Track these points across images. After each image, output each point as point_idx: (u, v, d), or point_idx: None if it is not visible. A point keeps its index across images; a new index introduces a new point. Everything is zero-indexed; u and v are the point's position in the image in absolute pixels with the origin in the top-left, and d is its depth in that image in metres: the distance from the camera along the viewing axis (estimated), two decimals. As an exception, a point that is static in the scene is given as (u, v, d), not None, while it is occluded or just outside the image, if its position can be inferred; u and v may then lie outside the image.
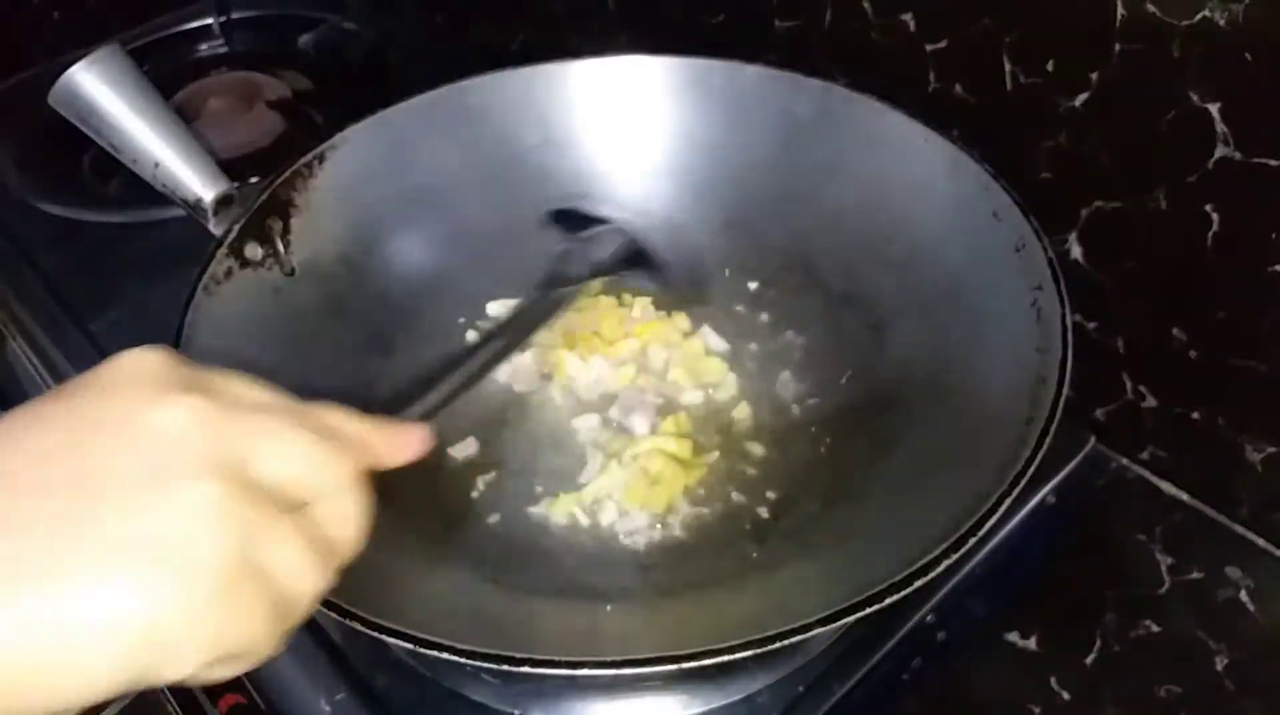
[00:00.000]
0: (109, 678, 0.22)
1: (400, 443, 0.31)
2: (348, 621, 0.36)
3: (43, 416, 0.24)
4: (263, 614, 0.24)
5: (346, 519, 0.27)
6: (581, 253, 0.51)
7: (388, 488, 0.50)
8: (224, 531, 0.23)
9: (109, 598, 0.22)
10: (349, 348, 0.55)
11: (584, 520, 0.50)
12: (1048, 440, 0.40)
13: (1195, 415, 0.54)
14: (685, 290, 0.59)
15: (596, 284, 0.53)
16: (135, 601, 0.22)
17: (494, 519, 0.51)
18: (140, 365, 0.25)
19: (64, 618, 0.21)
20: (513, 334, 0.45)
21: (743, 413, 0.54)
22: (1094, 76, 0.49)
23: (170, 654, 0.23)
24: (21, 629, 0.21)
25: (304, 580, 0.25)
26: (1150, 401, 0.56)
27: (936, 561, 0.36)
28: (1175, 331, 0.53)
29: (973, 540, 0.37)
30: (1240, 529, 0.55)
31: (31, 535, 0.22)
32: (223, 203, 0.55)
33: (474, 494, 0.52)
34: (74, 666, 0.22)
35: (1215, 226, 0.48)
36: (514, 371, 0.56)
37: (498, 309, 0.60)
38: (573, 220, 0.53)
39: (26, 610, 0.21)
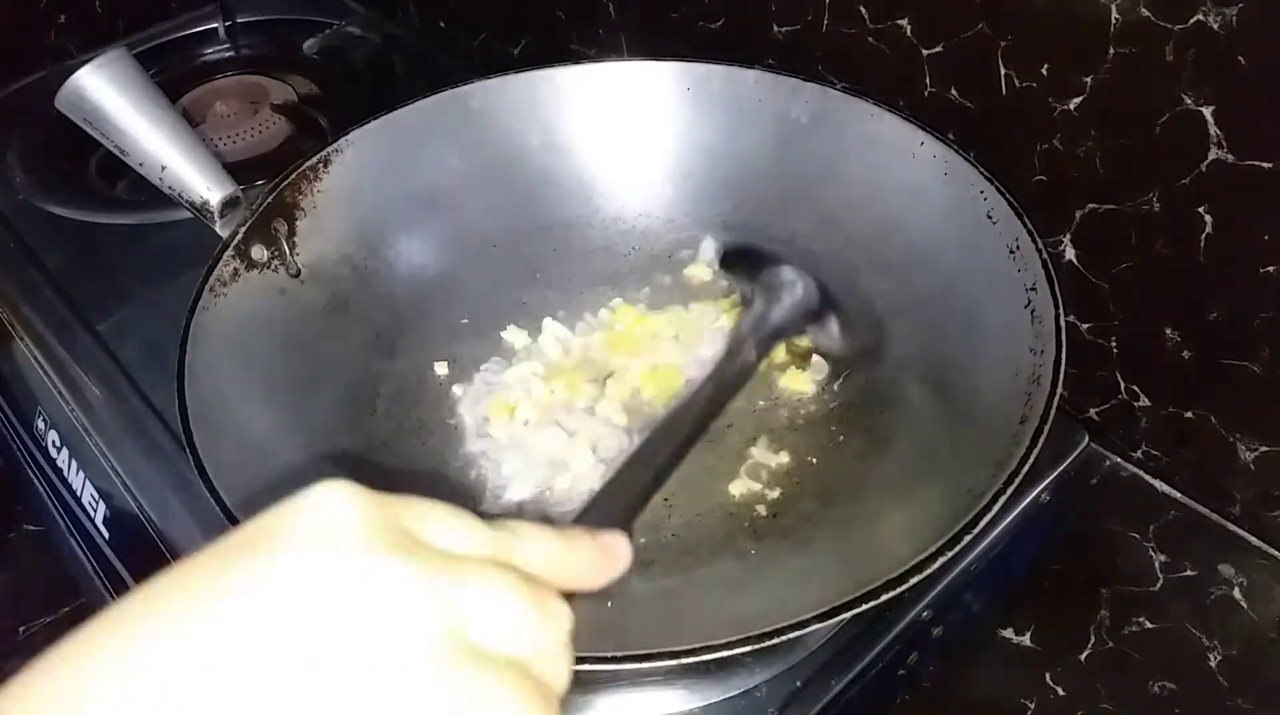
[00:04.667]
0: None
1: (605, 565, 0.28)
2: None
3: (212, 598, 0.21)
4: None
5: (560, 664, 0.25)
6: (764, 309, 0.47)
7: (394, 487, 0.50)
8: (460, 708, 0.21)
9: None
10: (353, 349, 0.56)
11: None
12: (1042, 439, 0.40)
13: (1188, 415, 0.54)
14: (865, 345, 0.54)
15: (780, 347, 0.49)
16: None
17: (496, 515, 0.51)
18: (336, 516, 0.22)
19: None
20: (703, 412, 0.41)
21: (740, 412, 0.55)
22: (1088, 80, 0.50)
23: None
24: None
25: None
26: (1144, 401, 0.56)
27: (932, 559, 0.37)
28: (1169, 332, 0.53)
29: (968, 538, 0.37)
30: (1233, 527, 0.56)
31: None
32: (229, 205, 0.56)
33: (477, 492, 0.52)
34: None
35: (1208, 228, 0.49)
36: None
37: (551, 327, 0.59)
38: (746, 260, 0.49)
39: None
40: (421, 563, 0.22)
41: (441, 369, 0.58)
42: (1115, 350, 0.56)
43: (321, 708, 0.20)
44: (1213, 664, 0.51)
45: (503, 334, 0.59)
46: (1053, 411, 0.41)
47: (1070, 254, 0.55)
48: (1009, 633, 0.53)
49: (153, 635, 0.20)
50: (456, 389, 0.57)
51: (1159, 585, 0.54)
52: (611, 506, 0.33)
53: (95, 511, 0.66)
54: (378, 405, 0.55)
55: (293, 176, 0.56)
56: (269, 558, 0.21)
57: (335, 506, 0.22)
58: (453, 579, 0.23)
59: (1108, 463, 0.59)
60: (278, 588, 0.21)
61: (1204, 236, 0.49)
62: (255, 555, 0.21)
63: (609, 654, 0.36)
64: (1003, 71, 0.53)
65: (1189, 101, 0.47)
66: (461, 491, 0.52)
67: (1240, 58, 0.44)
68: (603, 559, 0.28)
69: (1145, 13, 0.46)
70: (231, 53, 0.96)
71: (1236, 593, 0.53)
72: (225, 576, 0.21)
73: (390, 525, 0.23)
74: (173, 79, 0.89)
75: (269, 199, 0.54)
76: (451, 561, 0.23)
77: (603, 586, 0.28)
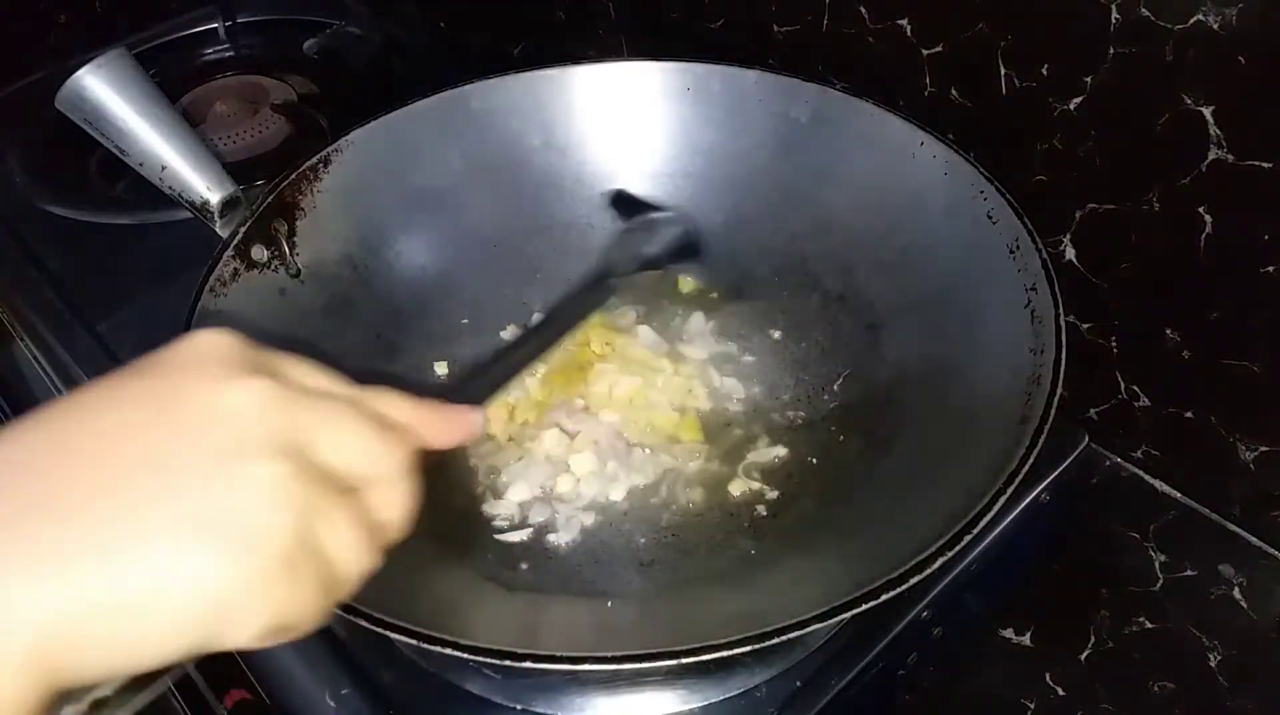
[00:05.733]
0: (173, 644, 0.23)
1: (451, 426, 0.32)
2: (353, 618, 0.36)
3: (113, 394, 0.25)
4: (316, 589, 0.25)
5: (395, 503, 0.28)
6: (635, 242, 0.52)
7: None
8: (289, 510, 0.24)
9: (178, 571, 0.23)
10: (354, 349, 0.56)
11: (585, 518, 0.51)
12: (1042, 439, 0.40)
13: (1188, 415, 0.54)
14: (731, 285, 0.60)
15: (648, 275, 0.53)
16: (204, 574, 0.23)
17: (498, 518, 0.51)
18: (211, 346, 0.26)
19: (135, 587, 0.22)
20: (562, 321, 0.46)
21: (741, 412, 0.55)
22: (1088, 80, 0.50)
23: (231, 623, 0.24)
24: (88, 598, 0.22)
25: (354, 559, 0.26)
26: (1144, 401, 0.56)
27: (932, 559, 0.37)
28: (1168, 332, 0.53)
29: (968, 538, 0.37)
30: (1233, 527, 0.56)
31: (103, 510, 0.23)
32: (229, 205, 0.56)
33: (479, 492, 0.52)
34: (139, 634, 0.23)
35: (1208, 228, 0.49)
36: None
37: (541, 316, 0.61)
38: (630, 204, 0.54)
39: (96, 581, 0.22)
40: (279, 387, 0.26)
41: (441, 369, 0.58)
42: (1115, 350, 0.56)
43: (170, 492, 0.23)
44: (1212, 664, 0.51)
45: (502, 334, 0.59)
46: (1053, 412, 0.41)
47: (1070, 254, 0.55)
48: (1009, 633, 0.53)
49: (66, 436, 0.24)
50: (456, 389, 0.57)
51: (1159, 585, 0.54)
52: (472, 388, 0.37)
53: (95, 511, 0.65)
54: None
55: (293, 177, 0.56)
56: (142, 372, 0.26)
57: (210, 340, 0.27)
58: (305, 403, 0.26)
59: (1108, 463, 0.59)
60: (146, 399, 0.25)
61: (1204, 236, 0.49)
62: (141, 377, 0.26)
63: (609, 654, 0.36)
64: (1003, 71, 0.53)
65: (1189, 101, 0.47)
66: (461, 492, 0.52)
67: (1240, 58, 0.44)
68: (451, 421, 0.32)
69: (1145, 13, 0.46)
70: (231, 53, 0.96)
71: (1236, 593, 0.53)
72: (110, 389, 0.25)
73: (257, 360, 0.27)
74: (173, 79, 0.89)
75: (269, 199, 0.54)
76: (307, 390, 0.27)
77: (449, 445, 0.31)
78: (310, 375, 0.28)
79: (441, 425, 0.31)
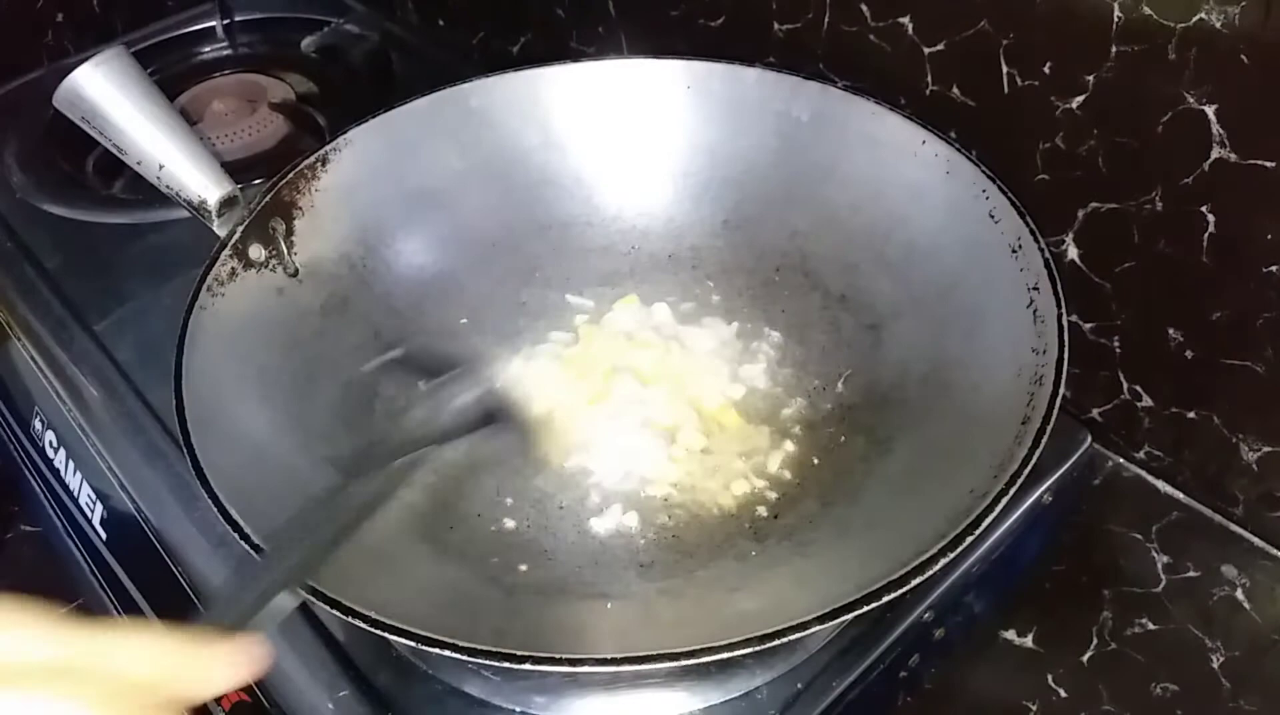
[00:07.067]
0: None
1: (218, 669, 0.26)
2: (350, 619, 0.36)
3: None
4: None
5: None
6: (433, 405, 0.43)
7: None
8: None
9: None
10: (352, 348, 0.56)
11: (585, 518, 0.51)
12: (1044, 439, 0.40)
13: (1191, 415, 0.54)
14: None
15: (453, 448, 0.43)
16: None
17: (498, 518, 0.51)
18: None
19: None
20: (352, 514, 0.37)
21: (741, 412, 0.55)
22: (1090, 78, 0.50)
23: None
24: None
25: None
26: (1146, 401, 0.56)
27: (934, 560, 0.37)
28: (1171, 332, 0.53)
29: (970, 539, 0.37)
30: (1236, 528, 0.56)
31: None
32: (226, 204, 0.56)
33: (478, 492, 0.52)
34: None
35: (1211, 227, 0.49)
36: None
37: (577, 301, 0.60)
38: (418, 365, 0.44)
39: None
40: None
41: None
42: (1118, 350, 0.56)
43: None
44: (1215, 665, 0.51)
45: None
46: (1055, 412, 0.41)
47: (1073, 253, 0.55)
48: (1011, 634, 0.53)
49: None
50: (455, 389, 0.56)
51: (1161, 586, 0.54)
52: (240, 601, 0.30)
53: (92, 512, 0.65)
54: (376, 406, 0.55)
55: (290, 175, 0.55)
56: None
57: None
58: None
59: (1110, 463, 0.59)
60: None
61: (1207, 236, 0.49)
62: None
63: (609, 655, 0.36)
64: (1005, 70, 0.53)
65: (1191, 100, 0.47)
66: (461, 493, 0.52)
67: (1243, 56, 0.44)
68: (222, 664, 0.26)
69: (1148, 11, 0.46)
70: (229, 51, 0.95)
71: (1239, 594, 0.53)
72: None
73: None
74: (170, 77, 0.89)
75: (267, 198, 0.54)
76: (10, 676, 0.22)
77: (219, 693, 0.26)
78: (17, 639, 0.22)
79: (210, 673, 0.26)
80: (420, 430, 0.42)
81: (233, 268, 0.52)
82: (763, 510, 0.50)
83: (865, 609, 0.36)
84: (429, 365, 0.44)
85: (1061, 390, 0.42)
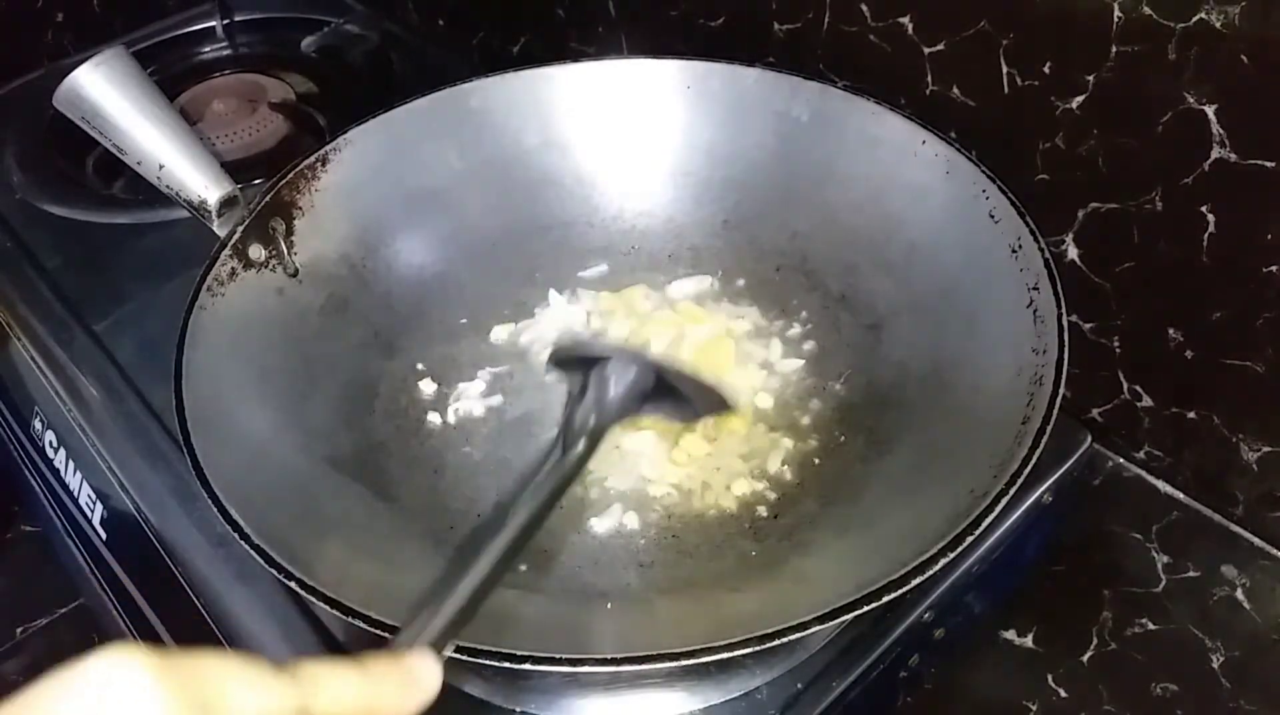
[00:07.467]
0: None
1: (407, 692, 0.27)
2: (351, 620, 0.36)
3: None
4: None
5: None
6: (592, 400, 0.43)
7: (392, 486, 0.50)
8: None
9: None
10: (352, 348, 0.56)
11: (585, 518, 0.51)
12: (1044, 440, 0.40)
13: (1191, 415, 0.54)
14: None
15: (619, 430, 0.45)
16: None
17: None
18: (125, 695, 0.21)
19: None
20: (534, 511, 0.37)
21: (741, 412, 0.55)
22: (1091, 79, 0.50)
23: None
24: None
25: None
26: (1146, 401, 0.56)
27: (934, 560, 0.37)
28: (1171, 332, 0.53)
29: (970, 539, 0.37)
30: (1236, 528, 0.55)
31: None
32: (226, 204, 0.56)
33: (478, 492, 0.52)
34: None
35: (1211, 228, 0.49)
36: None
37: (589, 274, 0.60)
38: (572, 363, 0.45)
39: None
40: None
41: (428, 388, 0.57)
42: (1118, 350, 0.56)
43: None
44: (1215, 665, 0.51)
45: (491, 336, 0.59)
46: (1055, 412, 0.41)
47: (1073, 253, 0.55)
48: (1011, 634, 0.53)
49: None
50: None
51: (1161, 586, 0.54)
52: (428, 622, 0.31)
53: (93, 512, 0.65)
54: (376, 405, 0.55)
55: (290, 175, 0.55)
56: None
57: (123, 684, 0.21)
58: None
59: (1110, 463, 0.59)
60: None
61: (1206, 236, 0.49)
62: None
63: (609, 655, 0.36)
64: (1005, 70, 0.53)
65: (1191, 100, 0.47)
66: (461, 493, 0.52)
67: (1243, 56, 0.44)
68: (409, 688, 0.27)
69: (1148, 11, 0.46)
70: (229, 51, 0.95)
71: (1239, 594, 0.53)
72: None
73: (183, 698, 0.21)
74: (170, 77, 0.89)
75: (267, 198, 0.54)
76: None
77: (416, 713, 0.27)
78: (242, 690, 0.23)
79: (400, 699, 0.27)
80: (592, 418, 0.42)
81: (233, 268, 0.52)
82: (763, 510, 0.50)
83: (865, 609, 0.36)
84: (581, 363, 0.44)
85: (1061, 390, 0.42)
